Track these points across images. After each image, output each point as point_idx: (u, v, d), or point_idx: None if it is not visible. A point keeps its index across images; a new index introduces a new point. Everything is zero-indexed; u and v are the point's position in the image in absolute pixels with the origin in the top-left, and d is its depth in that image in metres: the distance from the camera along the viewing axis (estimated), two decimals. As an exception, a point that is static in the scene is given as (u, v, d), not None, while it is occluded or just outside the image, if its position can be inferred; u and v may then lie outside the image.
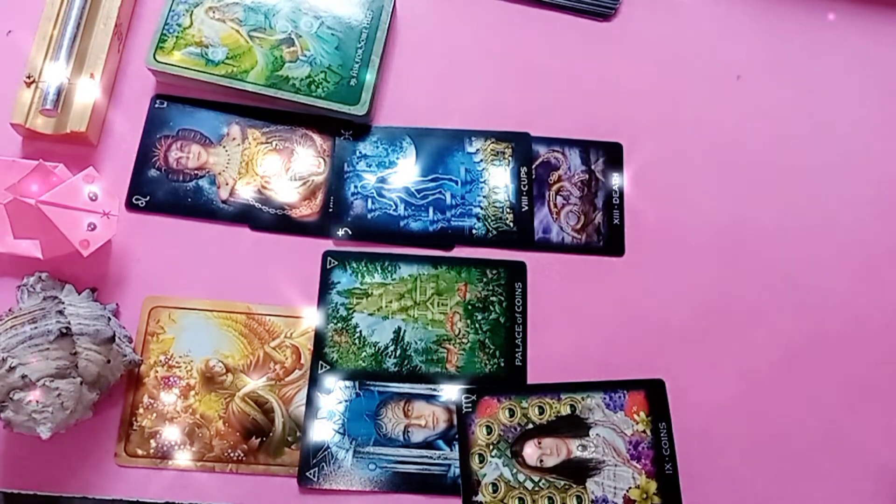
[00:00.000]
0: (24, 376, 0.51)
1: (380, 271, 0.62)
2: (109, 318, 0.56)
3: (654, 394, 0.59)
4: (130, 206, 0.62)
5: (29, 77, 0.62)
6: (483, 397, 0.59)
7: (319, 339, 0.60)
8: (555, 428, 0.58)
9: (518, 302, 0.61)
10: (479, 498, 0.57)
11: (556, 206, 0.64)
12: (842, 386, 0.61)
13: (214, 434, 0.58)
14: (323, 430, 0.58)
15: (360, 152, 0.65)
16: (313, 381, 0.59)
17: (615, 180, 0.65)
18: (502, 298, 0.62)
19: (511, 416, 0.59)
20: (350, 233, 0.63)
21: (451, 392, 0.59)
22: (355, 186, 0.64)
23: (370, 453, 0.58)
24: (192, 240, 0.62)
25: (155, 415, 0.58)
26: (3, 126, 0.62)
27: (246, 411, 0.58)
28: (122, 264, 0.61)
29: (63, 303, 0.54)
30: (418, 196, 0.64)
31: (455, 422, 0.58)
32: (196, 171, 0.63)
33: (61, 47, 0.62)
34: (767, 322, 0.62)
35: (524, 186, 0.64)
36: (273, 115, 0.65)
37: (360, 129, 0.65)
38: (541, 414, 0.59)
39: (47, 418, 0.51)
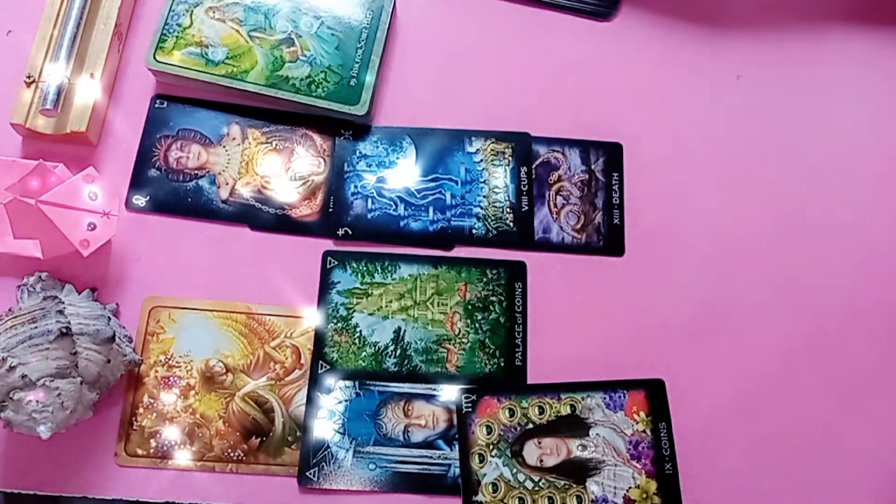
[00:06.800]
0: (24, 376, 0.51)
1: (380, 271, 0.62)
2: (109, 318, 0.56)
3: (654, 394, 0.59)
4: (130, 205, 0.62)
5: (29, 77, 0.62)
6: (483, 397, 0.59)
7: (319, 338, 0.60)
8: (555, 428, 0.58)
9: (518, 302, 0.61)
10: (479, 498, 0.57)
11: (556, 206, 0.64)
12: (841, 386, 0.61)
13: (214, 434, 0.58)
14: (323, 430, 0.58)
15: (360, 152, 0.65)
16: (313, 381, 0.59)
17: (615, 180, 0.65)
18: (502, 298, 0.62)
19: (511, 415, 0.59)
20: (350, 233, 0.63)
21: (451, 392, 0.59)
22: (355, 186, 0.64)
23: (370, 453, 0.58)
24: (192, 240, 0.62)
25: (155, 414, 0.58)
26: (3, 126, 0.62)
27: (246, 411, 0.58)
28: (122, 264, 0.61)
29: (63, 303, 0.54)
30: (418, 196, 0.64)
31: (455, 422, 0.58)
32: (196, 171, 0.63)
33: (61, 47, 0.62)
34: (767, 322, 0.62)
35: (524, 186, 0.64)
36: (273, 115, 0.65)
37: (360, 129, 0.65)
38: (541, 414, 0.59)
39: (47, 418, 0.51)
